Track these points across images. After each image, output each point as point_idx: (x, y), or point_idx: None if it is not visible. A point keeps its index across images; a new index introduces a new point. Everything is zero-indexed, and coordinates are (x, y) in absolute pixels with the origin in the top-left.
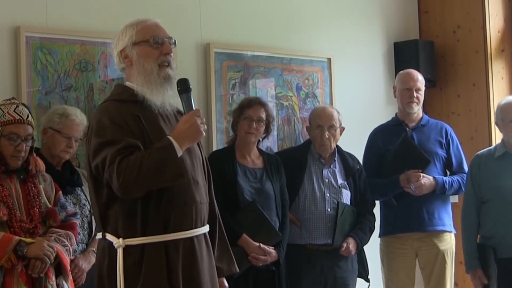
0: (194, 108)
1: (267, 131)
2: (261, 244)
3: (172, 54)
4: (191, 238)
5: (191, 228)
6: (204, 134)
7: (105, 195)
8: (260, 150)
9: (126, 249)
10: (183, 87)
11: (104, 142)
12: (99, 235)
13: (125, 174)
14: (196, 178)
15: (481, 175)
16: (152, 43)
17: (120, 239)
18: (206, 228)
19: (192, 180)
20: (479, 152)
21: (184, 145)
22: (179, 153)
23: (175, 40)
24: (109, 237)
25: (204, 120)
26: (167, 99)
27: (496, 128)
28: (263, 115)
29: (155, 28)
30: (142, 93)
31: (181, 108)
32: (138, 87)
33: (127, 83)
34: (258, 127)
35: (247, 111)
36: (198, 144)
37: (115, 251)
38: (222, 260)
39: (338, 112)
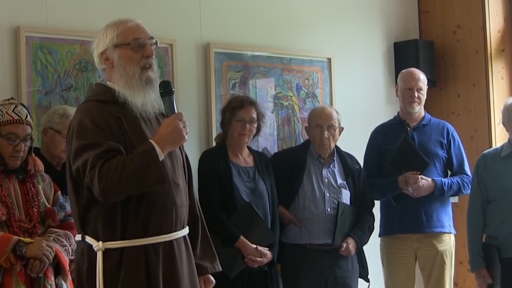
0: (176, 111)
1: (258, 128)
2: (257, 246)
3: (153, 56)
4: (171, 242)
5: (171, 232)
6: (186, 138)
7: (85, 198)
8: (249, 149)
9: (106, 252)
10: (166, 89)
11: (85, 145)
12: (78, 237)
13: (107, 179)
14: (177, 181)
15: (487, 175)
16: (133, 46)
17: (100, 242)
18: (185, 231)
19: (172, 183)
20: (485, 151)
21: (166, 149)
22: (161, 157)
23: (156, 41)
24: (88, 239)
25: (187, 123)
26: (149, 102)
27: (497, 128)
28: (255, 115)
29: (136, 30)
30: (124, 95)
31: (163, 111)
32: (120, 88)
33: (108, 83)
34: (251, 128)
35: (239, 113)
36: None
37: (94, 253)
38: (205, 259)
39: (337, 112)
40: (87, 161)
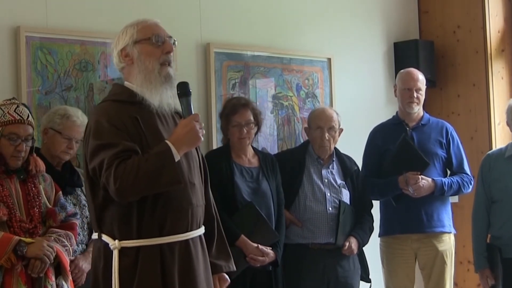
0: (193, 113)
1: (258, 126)
2: (259, 245)
3: (172, 53)
4: (187, 241)
5: (187, 231)
6: (202, 139)
7: (101, 197)
8: (255, 149)
9: (122, 250)
10: (183, 90)
11: (102, 145)
12: (94, 235)
13: (122, 179)
14: (193, 181)
15: (491, 175)
16: (153, 42)
17: (116, 241)
18: (201, 231)
19: (188, 183)
20: (490, 152)
21: (182, 150)
22: (177, 158)
23: (174, 40)
24: (105, 238)
25: (203, 125)
26: (166, 99)
27: (496, 128)
28: (251, 117)
29: (155, 27)
30: (141, 93)
31: (179, 109)
32: (137, 87)
33: (126, 83)
34: (249, 130)
35: (234, 118)
36: None
37: (110, 252)
38: (220, 258)
39: (337, 114)
40: (103, 161)
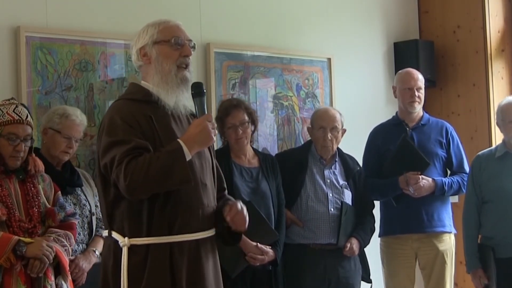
0: (206, 113)
1: (254, 124)
2: (258, 243)
3: (191, 57)
4: (197, 241)
5: (197, 231)
6: (215, 139)
7: (113, 194)
8: (255, 150)
9: (131, 248)
10: (197, 90)
11: (114, 142)
12: (105, 233)
13: (132, 176)
14: (205, 181)
15: (481, 176)
16: (172, 44)
17: (126, 238)
18: (212, 232)
19: (200, 183)
20: (480, 153)
21: (193, 150)
22: (188, 157)
23: (194, 44)
24: (115, 235)
25: (216, 125)
26: (181, 100)
27: (496, 128)
28: (245, 116)
29: (176, 29)
30: (157, 93)
31: (194, 111)
32: (154, 87)
33: (143, 83)
34: (244, 130)
35: (227, 120)
36: (209, 147)
37: (120, 249)
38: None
39: (340, 114)
40: (114, 158)
